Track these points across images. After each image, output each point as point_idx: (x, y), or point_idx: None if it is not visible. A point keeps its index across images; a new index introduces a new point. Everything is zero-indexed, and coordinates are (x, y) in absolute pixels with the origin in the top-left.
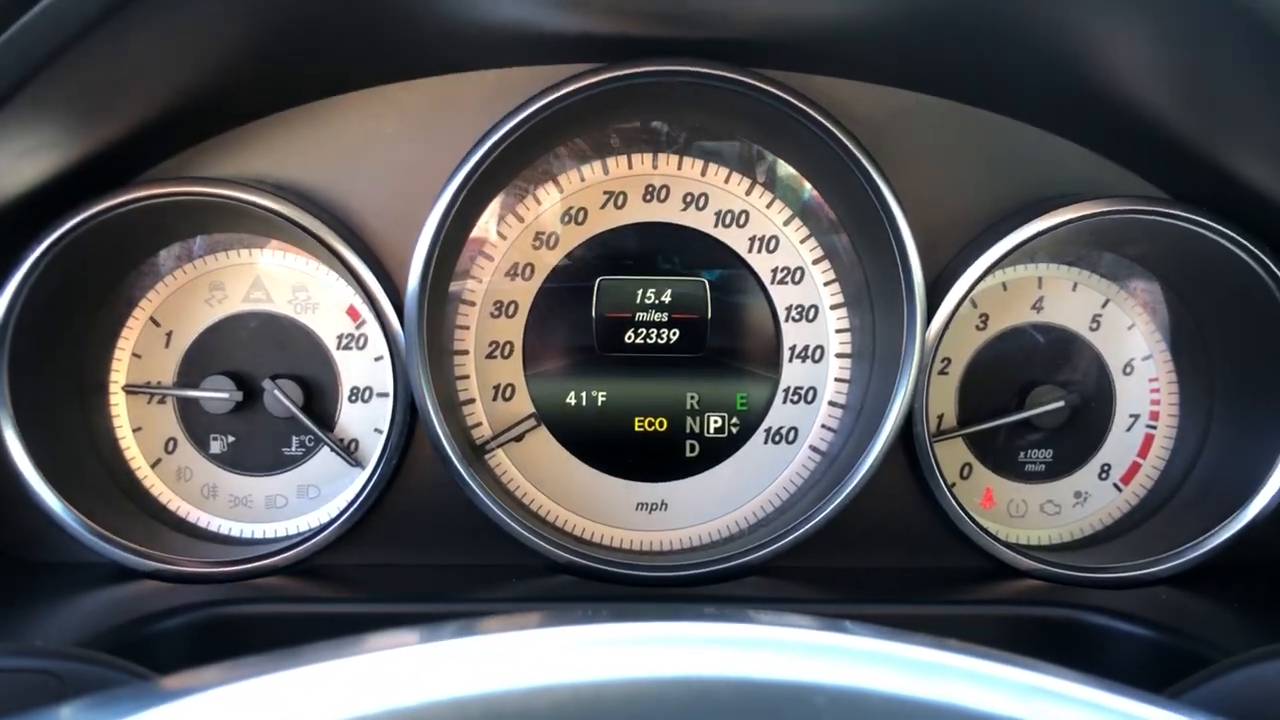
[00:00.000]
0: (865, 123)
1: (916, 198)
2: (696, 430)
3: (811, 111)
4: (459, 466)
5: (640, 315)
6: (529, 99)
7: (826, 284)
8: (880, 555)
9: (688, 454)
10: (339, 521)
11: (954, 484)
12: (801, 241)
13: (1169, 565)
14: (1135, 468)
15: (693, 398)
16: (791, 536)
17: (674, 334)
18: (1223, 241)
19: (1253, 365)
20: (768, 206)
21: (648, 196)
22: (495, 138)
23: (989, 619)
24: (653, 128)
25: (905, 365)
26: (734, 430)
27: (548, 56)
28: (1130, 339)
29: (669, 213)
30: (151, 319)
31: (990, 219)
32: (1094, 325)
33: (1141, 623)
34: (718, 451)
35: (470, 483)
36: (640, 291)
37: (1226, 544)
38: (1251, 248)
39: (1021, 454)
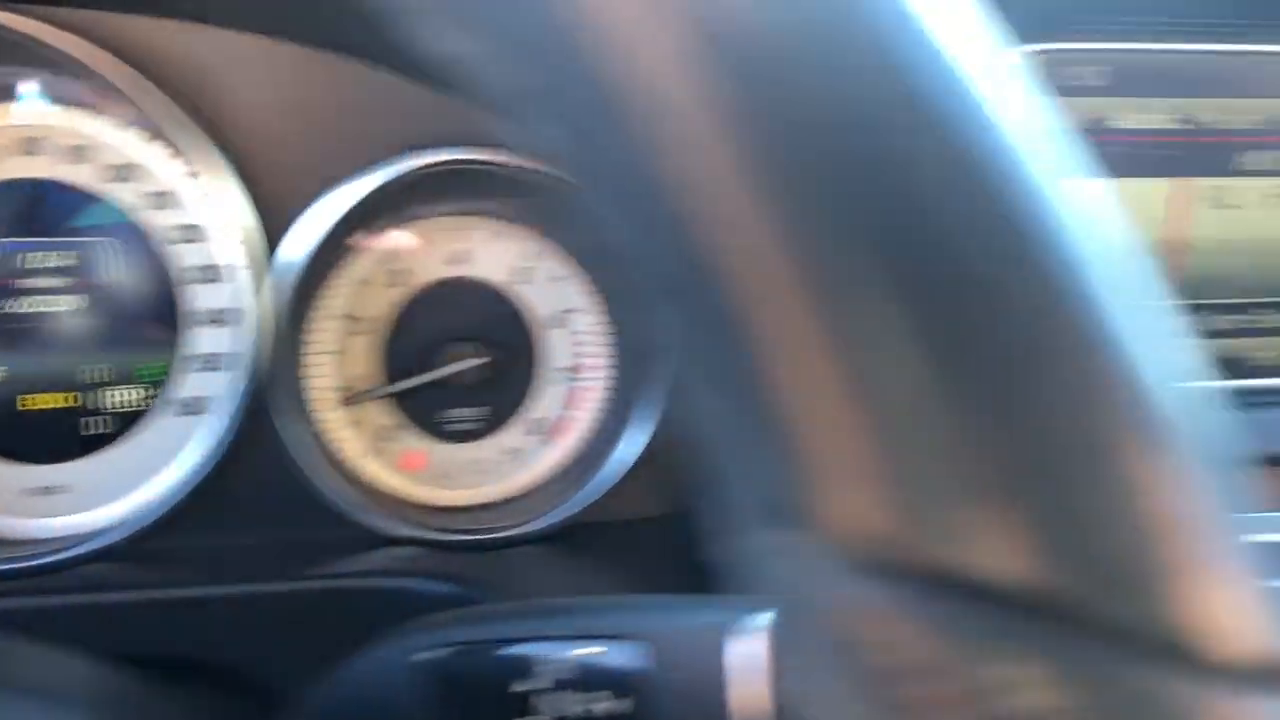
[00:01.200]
0: (192, 70)
1: (261, 151)
2: (96, 406)
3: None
4: None
5: (22, 282)
6: None
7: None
8: (260, 530)
9: (89, 431)
10: None
11: (377, 449)
12: (204, 197)
13: (540, 525)
14: (567, 423)
15: (89, 371)
16: (161, 514)
17: (63, 302)
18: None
19: (640, 320)
20: (171, 159)
21: (21, 150)
22: None
23: (337, 591)
24: None
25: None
26: (140, 405)
27: None
28: (560, 291)
29: (46, 169)
30: None
31: (351, 172)
32: (522, 279)
33: (459, 583)
34: (122, 427)
35: None
36: (19, 257)
37: (590, 501)
38: None
39: (444, 413)
